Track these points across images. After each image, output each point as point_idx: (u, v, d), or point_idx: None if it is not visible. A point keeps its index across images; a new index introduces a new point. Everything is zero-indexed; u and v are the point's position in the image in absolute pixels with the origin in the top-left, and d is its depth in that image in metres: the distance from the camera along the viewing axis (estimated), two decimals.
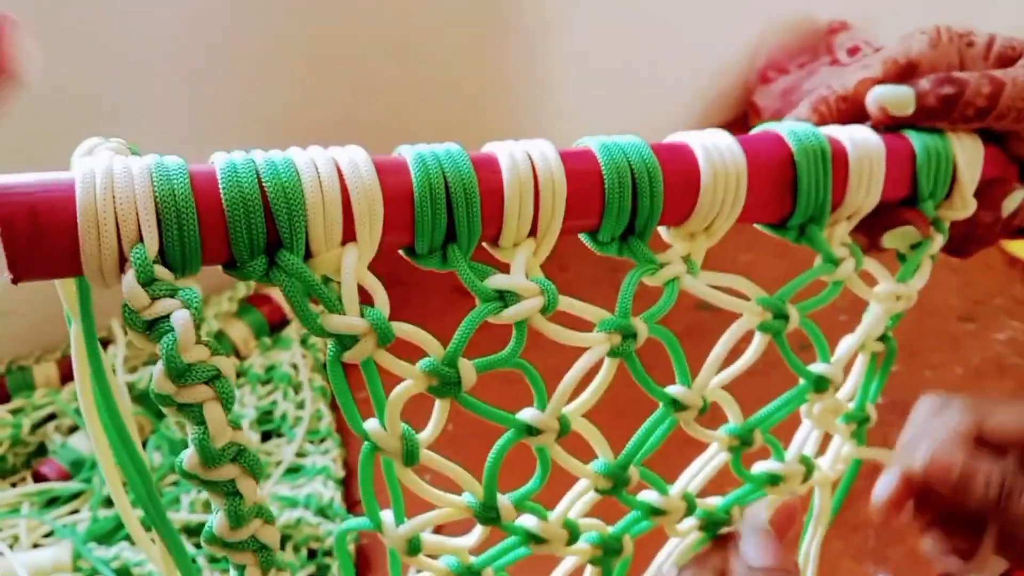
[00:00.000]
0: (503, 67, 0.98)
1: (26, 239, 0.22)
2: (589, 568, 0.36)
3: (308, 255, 0.26)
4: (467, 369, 0.28)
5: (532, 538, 0.32)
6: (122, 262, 0.23)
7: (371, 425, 0.28)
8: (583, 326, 0.31)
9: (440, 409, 0.28)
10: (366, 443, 0.28)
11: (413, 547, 0.30)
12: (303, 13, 0.82)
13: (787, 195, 0.33)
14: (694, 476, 0.37)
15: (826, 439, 0.40)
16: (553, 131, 0.95)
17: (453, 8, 0.91)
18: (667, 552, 0.38)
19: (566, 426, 0.31)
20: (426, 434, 0.29)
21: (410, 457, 0.28)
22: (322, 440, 0.80)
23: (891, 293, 0.37)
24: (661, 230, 0.33)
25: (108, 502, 0.72)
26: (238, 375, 0.86)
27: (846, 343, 0.38)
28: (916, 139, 0.35)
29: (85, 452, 0.75)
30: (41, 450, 0.77)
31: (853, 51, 1.21)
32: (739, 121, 1.25)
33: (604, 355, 0.30)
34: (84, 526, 0.70)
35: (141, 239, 0.23)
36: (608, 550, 0.35)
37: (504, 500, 0.31)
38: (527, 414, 0.30)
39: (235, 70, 0.81)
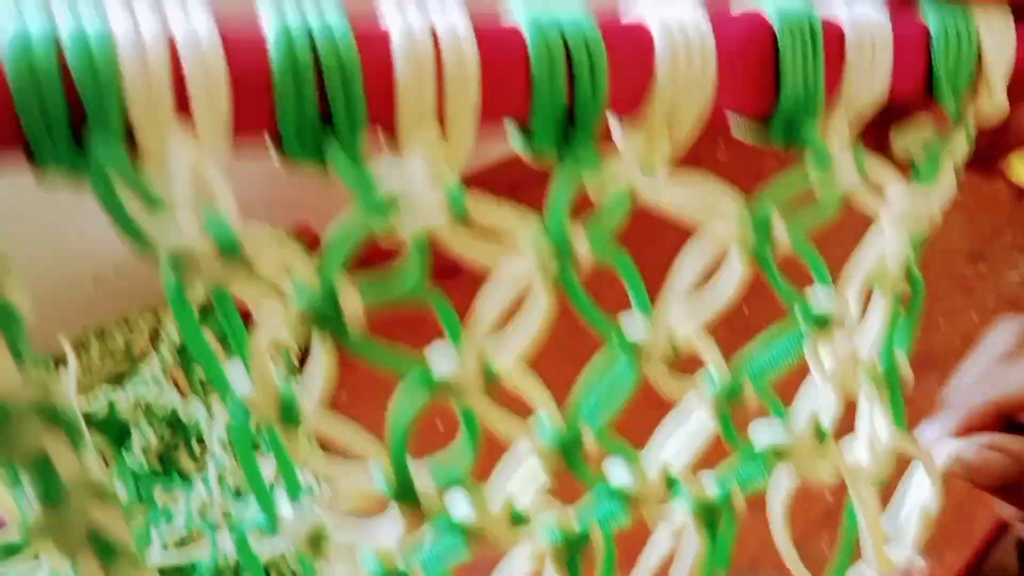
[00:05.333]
0: None
1: None
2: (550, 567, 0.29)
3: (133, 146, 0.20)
4: (351, 300, 0.21)
5: (466, 533, 0.25)
6: None
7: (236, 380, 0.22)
8: None
9: (323, 353, 0.22)
10: (235, 412, 0.22)
11: (316, 543, 0.24)
12: None
13: (768, 81, 0.26)
14: (668, 439, 0.30)
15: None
16: None
17: None
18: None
19: (491, 375, 0.24)
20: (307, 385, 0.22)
21: (289, 413, 0.22)
22: None
23: (907, 200, 0.30)
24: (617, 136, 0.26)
25: None
26: None
27: (854, 269, 0.31)
28: (932, 15, 0.28)
29: None
30: None
31: None
32: None
33: (535, 276, 0.24)
34: None
35: None
36: (573, 546, 0.28)
37: (425, 483, 0.24)
38: (441, 367, 0.24)
39: None
